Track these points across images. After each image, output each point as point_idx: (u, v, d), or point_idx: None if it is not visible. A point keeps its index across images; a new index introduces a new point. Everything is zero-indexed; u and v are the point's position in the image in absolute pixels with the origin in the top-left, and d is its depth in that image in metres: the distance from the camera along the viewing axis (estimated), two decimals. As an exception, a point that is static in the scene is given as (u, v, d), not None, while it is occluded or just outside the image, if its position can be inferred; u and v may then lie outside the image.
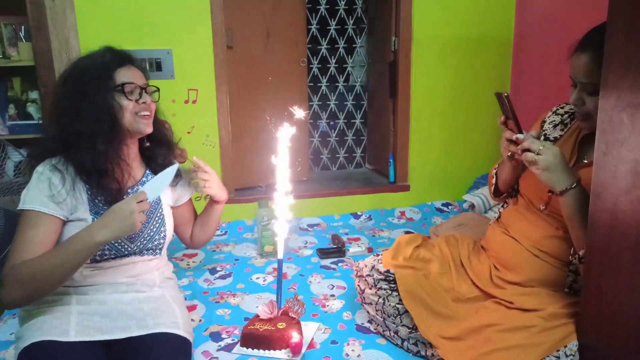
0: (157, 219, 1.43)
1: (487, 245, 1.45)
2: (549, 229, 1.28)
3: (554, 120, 1.42)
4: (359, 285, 1.52)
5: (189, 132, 2.46)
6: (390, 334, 1.45)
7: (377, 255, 1.53)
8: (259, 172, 2.74)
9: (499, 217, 1.47)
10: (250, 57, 2.59)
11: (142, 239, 1.38)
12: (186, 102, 2.45)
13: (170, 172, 1.31)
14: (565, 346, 1.13)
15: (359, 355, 1.40)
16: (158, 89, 1.42)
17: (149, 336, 1.25)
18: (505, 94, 1.19)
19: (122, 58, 1.36)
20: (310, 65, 3.12)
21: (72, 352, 1.17)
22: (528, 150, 1.18)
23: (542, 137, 1.40)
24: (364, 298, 1.50)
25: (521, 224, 1.35)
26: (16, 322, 1.50)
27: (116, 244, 1.33)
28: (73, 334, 1.21)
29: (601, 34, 1.06)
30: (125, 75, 1.33)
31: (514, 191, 1.48)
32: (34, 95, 2.32)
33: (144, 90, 1.36)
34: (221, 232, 2.50)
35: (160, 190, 1.32)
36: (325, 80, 3.21)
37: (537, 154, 1.15)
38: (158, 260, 1.46)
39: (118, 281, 1.35)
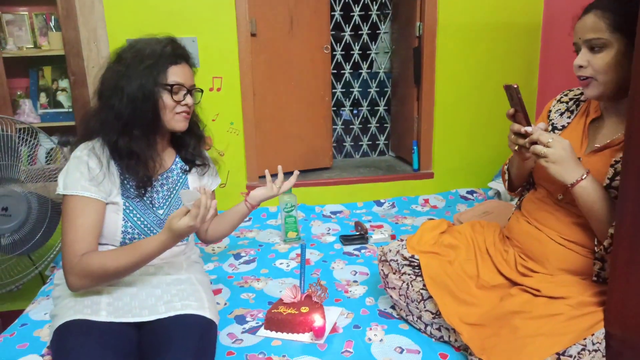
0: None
1: (510, 234, 1.43)
2: (571, 217, 1.26)
3: (560, 109, 1.40)
4: (382, 270, 1.52)
5: (213, 120, 2.49)
6: (413, 318, 1.45)
7: (402, 240, 1.52)
8: (283, 159, 2.77)
9: (519, 206, 1.45)
10: (273, 45, 2.59)
11: None
12: (211, 89, 2.47)
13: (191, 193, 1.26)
14: (592, 334, 1.12)
15: (381, 340, 1.41)
16: (202, 91, 1.45)
17: (176, 317, 1.28)
18: (515, 86, 1.17)
19: (180, 55, 1.36)
20: (334, 52, 3.11)
21: (104, 331, 1.22)
22: (536, 142, 1.16)
23: (550, 127, 1.38)
24: (387, 283, 1.50)
25: (542, 213, 1.33)
26: (49, 303, 1.56)
27: (145, 229, 1.37)
28: (104, 314, 1.26)
29: None
30: (178, 74, 1.34)
31: (529, 184, 1.46)
32: (64, 83, 2.38)
33: (189, 92, 1.38)
34: (246, 218, 2.53)
35: (194, 198, 1.24)
36: (348, 67, 3.20)
37: (547, 146, 1.13)
38: (185, 246, 1.50)
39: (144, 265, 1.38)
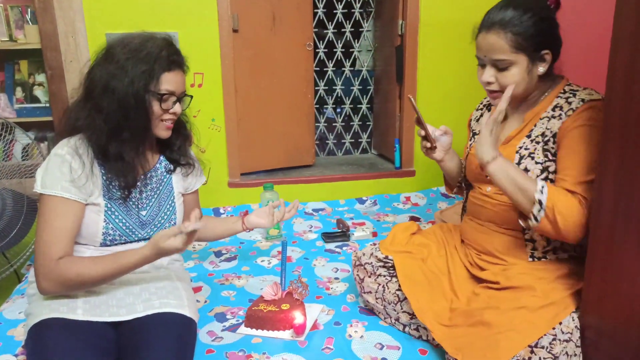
0: (168, 206, 1.43)
1: (464, 237, 1.49)
2: (500, 206, 1.33)
3: (477, 116, 1.54)
4: (357, 275, 1.54)
5: (194, 116, 2.43)
6: (391, 320, 1.47)
7: (375, 244, 1.56)
8: (265, 156, 2.75)
9: (464, 208, 1.51)
10: (256, 41, 2.57)
11: (153, 226, 1.39)
12: (192, 85, 2.44)
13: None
14: (561, 323, 1.14)
15: (361, 337, 1.41)
16: (191, 97, 1.40)
17: (155, 316, 1.26)
18: (409, 97, 1.35)
19: (175, 62, 1.30)
20: (317, 50, 3.10)
21: (81, 329, 1.19)
22: (432, 147, 1.42)
23: (471, 134, 1.53)
24: (363, 287, 1.52)
25: (480, 209, 1.40)
26: (24, 302, 1.53)
27: (127, 230, 1.34)
28: (81, 312, 1.23)
29: (501, 10, 1.22)
30: (170, 82, 1.28)
31: (465, 184, 1.53)
32: (40, 78, 2.33)
33: (178, 100, 1.33)
34: (227, 216, 2.51)
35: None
36: (331, 65, 3.19)
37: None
38: None
39: None
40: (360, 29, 3.17)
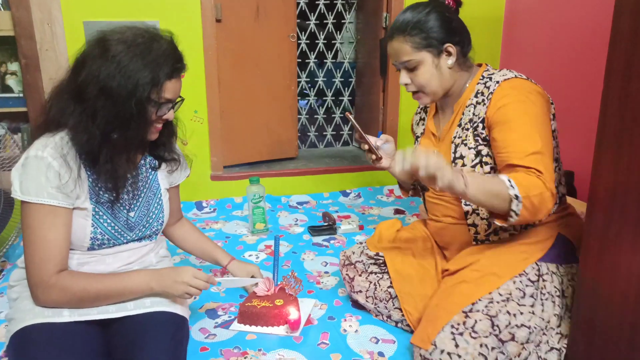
0: (156, 205, 1.37)
1: (432, 236, 1.52)
2: (448, 199, 1.39)
3: (416, 120, 1.59)
4: (347, 275, 1.54)
5: (176, 108, 2.40)
6: (383, 318, 1.47)
7: (361, 243, 1.57)
8: (248, 148, 2.72)
9: (425, 208, 1.54)
10: (240, 32, 2.53)
11: (142, 227, 1.33)
12: (174, 76, 2.38)
13: (248, 281, 1.46)
14: (499, 287, 1.19)
15: (356, 331, 1.41)
16: (183, 100, 1.30)
17: (146, 315, 1.22)
18: (348, 114, 1.40)
19: (179, 70, 1.21)
20: (299, 41, 3.07)
21: (67, 333, 1.14)
22: (373, 152, 1.42)
23: (415, 137, 1.57)
24: (352, 287, 1.52)
25: (434, 206, 1.45)
26: (3, 301, 1.47)
27: (116, 234, 1.27)
28: (67, 314, 1.18)
29: (400, 17, 1.30)
30: (171, 90, 1.19)
31: (420, 186, 1.56)
32: (13, 67, 2.23)
33: (173, 106, 1.24)
34: (210, 209, 2.47)
35: (233, 285, 1.45)
36: (313, 57, 3.17)
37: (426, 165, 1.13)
38: (155, 244, 1.43)
39: (114, 269, 1.30)
40: (343, 21, 3.15)
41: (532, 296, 1.19)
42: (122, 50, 1.14)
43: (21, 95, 2.23)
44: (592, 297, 1.11)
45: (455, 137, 1.35)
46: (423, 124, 1.53)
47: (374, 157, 1.42)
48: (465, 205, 1.34)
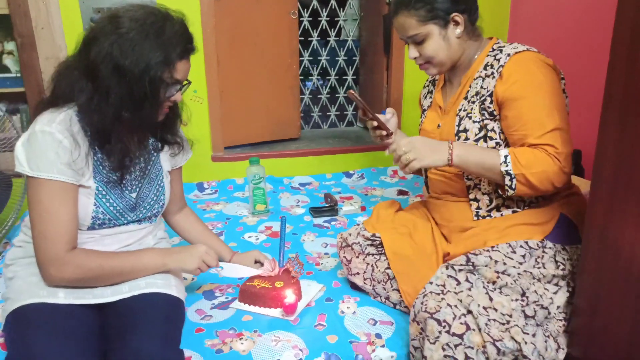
0: (157, 187, 1.35)
1: (432, 214, 1.49)
2: (449, 176, 1.36)
3: (424, 93, 1.57)
4: (344, 257, 1.51)
5: (175, 88, 2.36)
6: (381, 299, 1.45)
7: (358, 224, 1.54)
8: (249, 129, 2.68)
9: (426, 184, 1.51)
10: (238, 8, 2.47)
11: (143, 208, 1.32)
12: (172, 55, 2.34)
13: (249, 271, 1.44)
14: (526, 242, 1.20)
15: (354, 312, 1.39)
16: (190, 82, 1.27)
17: (141, 296, 1.21)
18: (352, 92, 1.31)
19: (190, 50, 1.20)
20: (301, 19, 3.00)
21: (62, 313, 1.13)
22: (388, 134, 1.38)
23: (422, 111, 1.55)
24: (350, 269, 1.49)
25: (437, 183, 1.42)
26: (1, 282, 1.46)
27: (117, 214, 1.26)
28: (62, 296, 1.17)
29: None
30: (181, 71, 1.18)
31: None
32: (10, 46, 2.20)
33: (181, 88, 1.22)
34: (211, 191, 2.45)
35: (234, 274, 1.43)
36: (316, 35, 3.10)
37: (405, 153, 1.22)
38: (154, 226, 1.40)
39: (112, 249, 1.29)
40: (346, -3, 3.07)
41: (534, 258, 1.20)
42: (134, 28, 1.11)
43: (19, 75, 2.20)
44: (595, 275, 1.07)
45: (460, 110, 1.32)
46: (430, 97, 1.50)
47: (384, 133, 1.38)
48: (467, 179, 1.32)
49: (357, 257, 1.46)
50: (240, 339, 1.26)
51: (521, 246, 1.20)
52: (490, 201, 1.31)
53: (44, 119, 1.14)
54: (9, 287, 1.23)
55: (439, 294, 1.12)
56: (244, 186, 2.49)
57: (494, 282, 1.14)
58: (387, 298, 1.42)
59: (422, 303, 1.12)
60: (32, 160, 1.12)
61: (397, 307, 1.41)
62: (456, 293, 1.12)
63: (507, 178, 1.17)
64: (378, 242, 1.45)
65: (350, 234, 1.51)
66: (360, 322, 1.35)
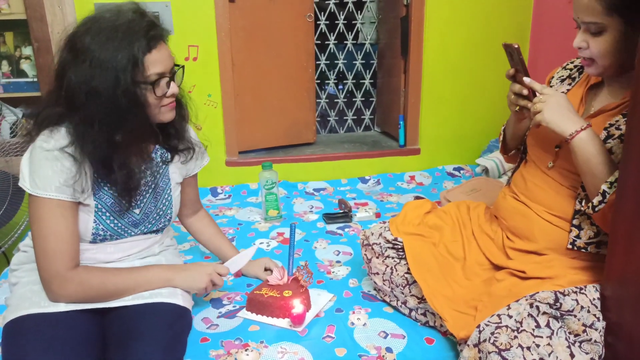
0: (164, 201, 1.32)
1: (497, 212, 1.37)
2: (558, 189, 1.20)
3: (562, 75, 1.35)
4: (365, 255, 1.45)
5: (189, 92, 2.34)
6: (398, 303, 1.39)
7: (384, 222, 1.46)
8: (264, 133, 2.65)
9: (509, 181, 1.39)
10: (253, 11, 2.44)
11: (148, 223, 1.29)
12: (186, 59, 2.33)
13: (251, 251, 1.43)
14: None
15: (364, 324, 1.34)
16: (183, 67, 1.20)
17: (145, 305, 1.19)
18: (516, 46, 1.13)
19: (155, 37, 1.09)
20: (318, 22, 2.96)
21: (60, 323, 1.11)
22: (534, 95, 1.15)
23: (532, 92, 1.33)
24: (370, 268, 1.43)
25: (530, 186, 1.27)
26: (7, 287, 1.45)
27: (119, 230, 1.23)
28: (63, 304, 1.15)
29: None
30: (156, 62, 1.10)
31: (523, 149, 1.39)
32: (27, 51, 2.22)
33: (171, 78, 1.15)
34: (225, 196, 2.43)
35: (241, 265, 1.41)
36: (333, 38, 3.06)
37: (541, 93, 1.11)
38: (160, 236, 1.37)
39: (115, 259, 1.27)
40: (364, 0, 3.03)
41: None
42: (89, 43, 1.06)
43: (35, 79, 2.22)
44: (619, 299, 1.00)
45: (612, 126, 1.12)
46: (569, 86, 1.29)
47: (529, 104, 1.16)
48: (579, 201, 1.15)
49: (377, 257, 1.41)
50: (246, 350, 1.22)
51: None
52: (596, 234, 1.15)
53: (45, 136, 1.11)
54: (12, 294, 1.22)
55: (514, 331, 1.02)
56: (257, 191, 2.46)
57: (577, 335, 1.05)
58: (405, 303, 1.36)
59: (492, 334, 1.03)
60: (32, 176, 1.10)
61: (413, 313, 1.35)
62: (533, 336, 1.01)
63: (598, 198, 1.04)
64: (400, 247, 1.37)
65: (372, 233, 1.44)
66: (371, 335, 1.29)
